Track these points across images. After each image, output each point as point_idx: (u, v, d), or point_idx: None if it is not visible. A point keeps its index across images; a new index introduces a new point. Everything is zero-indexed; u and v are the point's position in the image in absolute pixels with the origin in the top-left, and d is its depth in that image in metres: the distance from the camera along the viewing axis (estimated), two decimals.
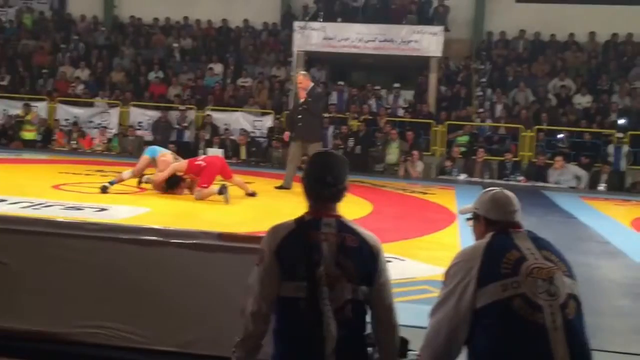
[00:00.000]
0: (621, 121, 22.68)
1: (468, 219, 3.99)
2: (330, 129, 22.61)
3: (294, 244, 3.47)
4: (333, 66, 26.65)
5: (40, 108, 24.36)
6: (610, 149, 21.35)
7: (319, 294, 3.39)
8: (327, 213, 3.59)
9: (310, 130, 14.83)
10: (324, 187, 3.59)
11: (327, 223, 3.54)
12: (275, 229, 3.58)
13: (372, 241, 3.61)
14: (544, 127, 22.37)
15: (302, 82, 15.05)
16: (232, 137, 22.76)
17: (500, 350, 3.43)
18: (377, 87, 24.72)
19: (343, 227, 3.56)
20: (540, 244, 3.66)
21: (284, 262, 3.47)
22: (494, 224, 3.76)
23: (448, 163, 21.13)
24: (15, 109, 24.29)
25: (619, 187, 20.36)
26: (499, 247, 3.62)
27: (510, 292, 3.44)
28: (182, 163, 13.30)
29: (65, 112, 24.43)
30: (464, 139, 22.09)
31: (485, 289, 3.48)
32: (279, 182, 14.84)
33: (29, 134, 23.30)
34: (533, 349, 3.38)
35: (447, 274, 3.68)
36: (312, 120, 14.85)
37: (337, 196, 3.64)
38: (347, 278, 3.45)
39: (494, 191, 3.90)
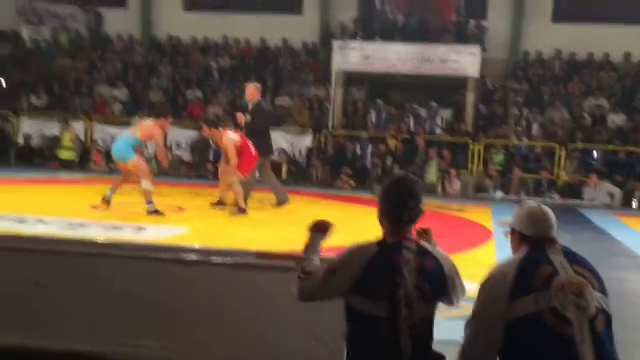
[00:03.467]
0: None
1: (506, 233, 4.06)
2: (369, 148, 22.65)
3: (377, 267, 3.62)
4: (371, 85, 26.63)
5: (77, 128, 24.35)
6: None
7: (398, 314, 3.56)
8: (407, 237, 3.75)
9: (255, 146, 13.92)
10: (405, 212, 3.74)
11: (408, 247, 3.69)
12: (359, 252, 3.72)
13: (446, 263, 3.80)
14: (579, 145, 22.30)
15: (251, 93, 14.46)
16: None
17: None
18: (416, 106, 24.68)
19: (421, 250, 3.72)
20: (573, 259, 3.72)
21: (366, 281, 3.61)
22: (529, 239, 3.83)
23: (489, 181, 21.08)
24: (52, 129, 24.26)
25: None
26: (533, 261, 3.69)
27: (541, 306, 3.53)
28: (237, 136, 13.59)
29: (103, 132, 24.32)
30: (499, 157, 22.09)
31: (517, 302, 3.57)
32: (318, 200, 14.77)
33: (66, 154, 23.39)
34: None
35: (482, 288, 3.77)
36: (256, 135, 14.09)
37: (416, 219, 3.79)
38: (424, 299, 3.63)
39: (531, 206, 3.96)
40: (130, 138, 12.95)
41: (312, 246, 3.99)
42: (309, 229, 4.06)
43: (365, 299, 3.60)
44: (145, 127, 13.10)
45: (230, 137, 13.45)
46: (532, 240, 3.81)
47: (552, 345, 3.49)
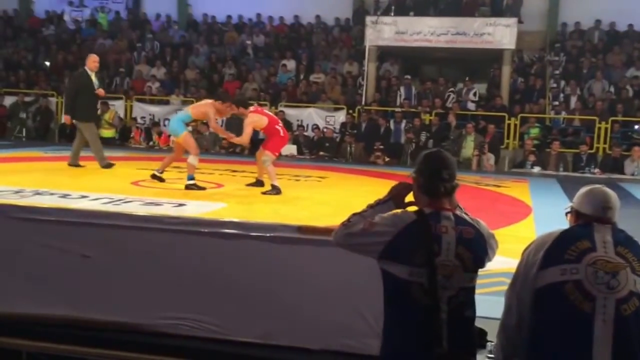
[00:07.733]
0: None
1: (567, 213, 4.00)
2: (403, 123, 22.63)
3: (413, 234, 3.65)
4: (405, 60, 26.62)
5: (118, 106, 24.80)
6: None
7: (436, 282, 3.58)
8: (444, 207, 3.76)
9: (92, 110, 15.81)
10: (440, 183, 3.76)
11: (446, 216, 3.72)
12: (396, 218, 3.74)
13: (484, 230, 3.81)
14: (619, 118, 22.06)
15: (95, 61, 15.47)
16: (304, 133, 22.96)
17: (543, 332, 3.52)
18: (456, 86, 24.62)
19: (459, 220, 3.74)
20: (621, 240, 3.61)
21: (400, 247, 3.65)
22: (584, 218, 3.77)
23: (532, 157, 20.80)
24: None
25: None
26: (573, 234, 3.66)
27: (566, 277, 3.49)
28: (264, 119, 13.41)
29: (142, 110, 24.96)
30: (534, 131, 21.93)
31: (546, 271, 3.56)
32: (351, 177, 14.79)
33: (107, 132, 23.60)
34: (574, 336, 3.43)
35: (522, 255, 3.79)
36: (93, 100, 15.61)
37: (451, 191, 3.80)
38: (464, 268, 3.65)
39: (593, 186, 3.89)
40: (183, 114, 13.21)
41: (376, 208, 3.96)
42: (390, 190, 4.03)
43: (398, 263, 3.63)
44: (200, 104, 13.39)
45: (253, 119, 13.35)
46: (586, 218, 3.75)
47: (568, 318, 3.45)
